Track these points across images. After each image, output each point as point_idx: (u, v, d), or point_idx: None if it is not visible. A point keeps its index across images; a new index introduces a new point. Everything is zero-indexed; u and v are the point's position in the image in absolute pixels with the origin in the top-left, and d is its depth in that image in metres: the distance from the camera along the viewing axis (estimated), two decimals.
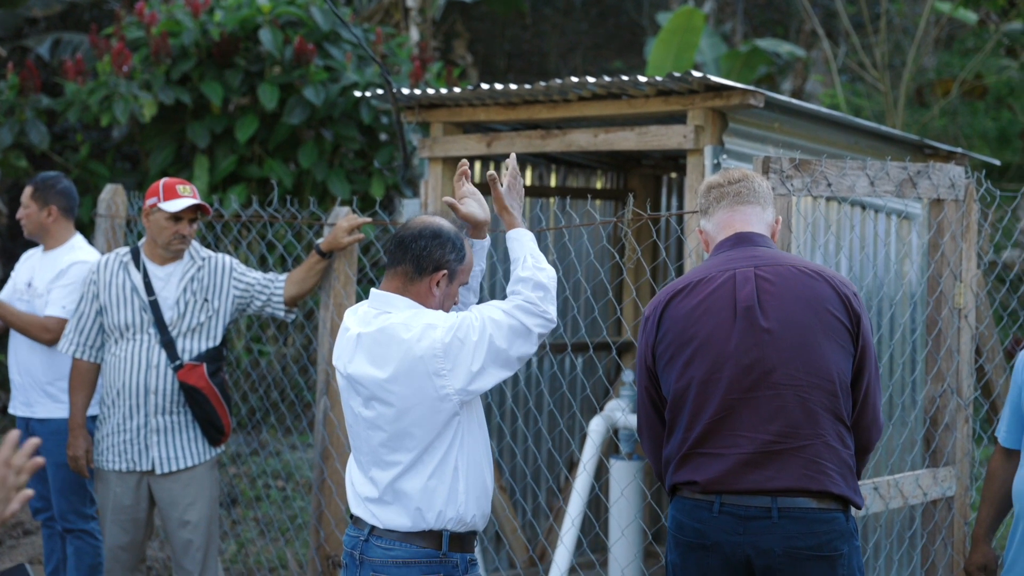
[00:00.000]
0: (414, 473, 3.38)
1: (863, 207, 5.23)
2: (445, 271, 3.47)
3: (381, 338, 3.39)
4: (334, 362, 3.55)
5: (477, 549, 3.58)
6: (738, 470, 3.25)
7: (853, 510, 3.39)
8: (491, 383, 3.40)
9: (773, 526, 3.23)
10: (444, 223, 3.52)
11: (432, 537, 3.39)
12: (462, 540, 3.44)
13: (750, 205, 3.50)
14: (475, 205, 3.67)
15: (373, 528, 3.44)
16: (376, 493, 3.43)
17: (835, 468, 3.29)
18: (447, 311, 3.53)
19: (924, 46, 12.21)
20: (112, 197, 6.10)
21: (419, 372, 3.34)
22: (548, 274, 3.50)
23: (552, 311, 3.45)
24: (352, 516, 3.54)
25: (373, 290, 3.53)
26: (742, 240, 3.46)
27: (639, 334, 3.50)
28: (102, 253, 5.93)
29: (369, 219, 5.18)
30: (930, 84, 13.27)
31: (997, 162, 5.84)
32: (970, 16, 12.71)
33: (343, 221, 5.15)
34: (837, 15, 13.82)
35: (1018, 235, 9.17)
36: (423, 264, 3.45)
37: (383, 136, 8.84)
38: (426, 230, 3.47)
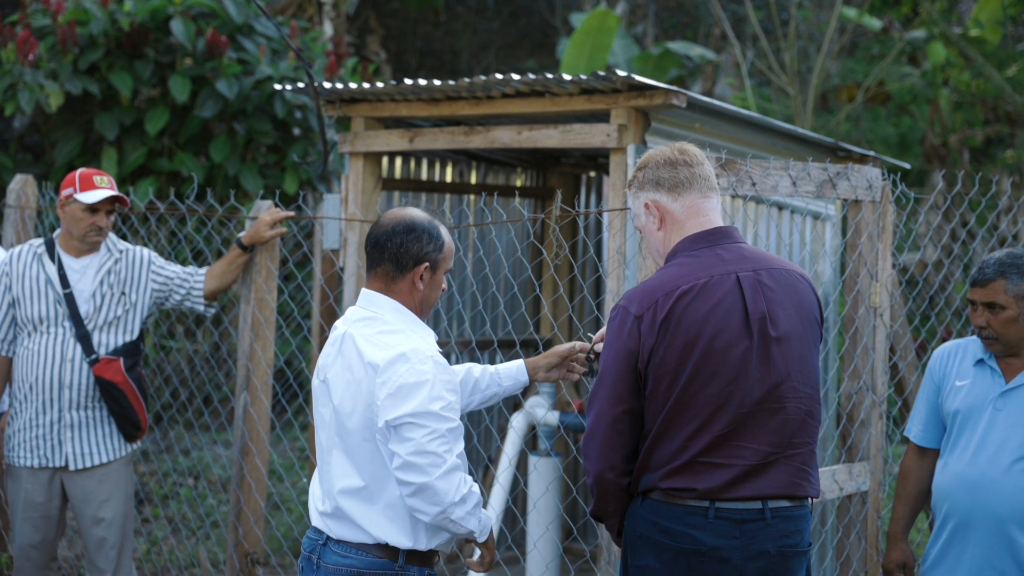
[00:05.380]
0: (364, 496, 3.30)
1: (780, 207, 5.33)
2: (426, 263, 3.36)
3: (361, 344, 3.30)
4: (320, 362, 3.42)
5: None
6: (738, 479, 3.23)
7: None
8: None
9: (767, 527, 3.25)
10: (416, 214, 3.40)
11: (389, 549, 3.31)
12: (421, 555, 3.34)
13: (715, 192, 3.42)
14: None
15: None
16: (330, 507, 3.35)
17: (814, 471, 3.35)
18: (434, 303, 3.46)
19: (830, 52, 12.48)
20: (22, 188, 5.96)
21: (367, 388, 3.26)
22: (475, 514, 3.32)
23: (442, 485, 3.20)
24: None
25: (363, 288, 3.44)
26: (723, 236, 3.37)
27: (621, 332, 3.27)
28: (12, 245, 5.79)
29: (292, 213, 5.13)
30: (835, 90, 13.57)
31: (907, 165, 6.00)
32: (875, 23, 13.02)
33: (265, 215, 5.09)
34: (746, 20, 14.06)
35: (927, 238, 9.43)
36: (403, 261, 3.35)
37: (296, 131, 8.76)
38: (399, 225, 3.35)
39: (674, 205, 3.38)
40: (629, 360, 3.25)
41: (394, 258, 3.35)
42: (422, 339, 3.34)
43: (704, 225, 3.38)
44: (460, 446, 3.27)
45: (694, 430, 3.22)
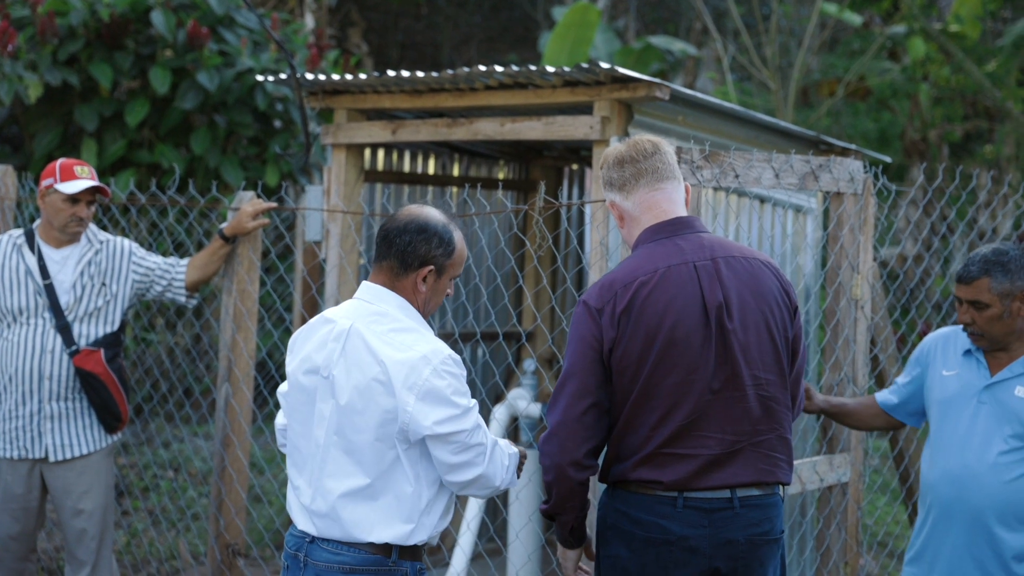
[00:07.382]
0: (367, 494, 3.25)
1: (762, 200, 5.34)
2: (431, 267, 3.32)
3: (373, 342, 3.25)
4: (312, 356, 3.34)
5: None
6: (704, 470, 3.25)
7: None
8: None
9: (736, 516, 3.27)
10: (432, 214, 3.35)
11: (381, 545, 3.27)
12: (413, 550, 3.32)
13: (669, 180, 3.42)
14: None
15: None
16: (324, 507, 3.29)
17: (784, 457, 3.37)
18: (436, 307, 3.43)
19: (811, 47, 12.52)
20: (2, 178, 5.92)
21: (384, 389, 3.21)
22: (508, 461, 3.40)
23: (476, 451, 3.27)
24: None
25: (364, 282, 3.39)
26: (684, 226, 3.38)
27: (583, 327, 3.30)
28: None
29: (274, 204, 5.11)
30: (815, 84, 13.61)
31: (888, 159, 6.03)
32: (855, 18, 13.06)
33: (247, 206, 5.07)
34: (727, 14, 14.08)
35: (907, 234, 9.48)
36: (408, 260, 3.31)
37: (277, 123, 8.73)
38: (411, 224, 3.31)
39: (626, 204, 3.43)
40: (594, 353, 3.27)
41: (400, 255, 3.32)
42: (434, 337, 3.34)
43: (660, 217, 3.40)
44: (481, 419, 3.34)
45: (656, 420, 3.25)
